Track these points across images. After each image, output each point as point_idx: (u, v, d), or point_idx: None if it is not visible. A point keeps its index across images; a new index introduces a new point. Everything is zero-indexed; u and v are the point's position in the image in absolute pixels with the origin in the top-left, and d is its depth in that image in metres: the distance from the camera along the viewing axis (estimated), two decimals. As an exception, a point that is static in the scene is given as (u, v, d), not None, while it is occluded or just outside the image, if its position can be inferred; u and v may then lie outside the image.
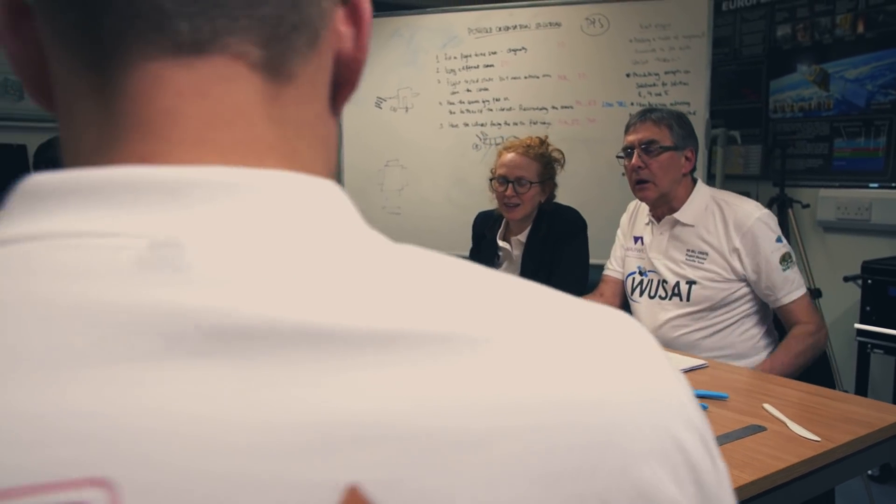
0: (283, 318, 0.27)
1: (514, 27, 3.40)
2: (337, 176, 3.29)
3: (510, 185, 2.17)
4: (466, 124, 3.51)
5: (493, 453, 0.28)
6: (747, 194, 3.38)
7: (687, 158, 1.89)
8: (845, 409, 1.39)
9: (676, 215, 1.90)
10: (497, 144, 3.45)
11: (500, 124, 3.46)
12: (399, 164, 3.65)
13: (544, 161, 2.22)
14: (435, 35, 3.53)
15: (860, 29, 3.05)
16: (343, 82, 0.38)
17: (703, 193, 1.91)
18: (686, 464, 0.34)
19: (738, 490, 1.07)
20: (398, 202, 3.64)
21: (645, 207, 2.01)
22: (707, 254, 1.85)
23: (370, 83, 3.65)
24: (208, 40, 0.32)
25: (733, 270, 1.81)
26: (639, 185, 1.89)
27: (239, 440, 0.24)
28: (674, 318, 1.88)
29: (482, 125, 3.49)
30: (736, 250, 1.80)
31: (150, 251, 0.28)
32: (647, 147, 1.86)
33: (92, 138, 0.32)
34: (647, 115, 1.90)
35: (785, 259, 1.78)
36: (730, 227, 1.81)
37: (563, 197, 2.33)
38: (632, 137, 1.90)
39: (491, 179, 2.26)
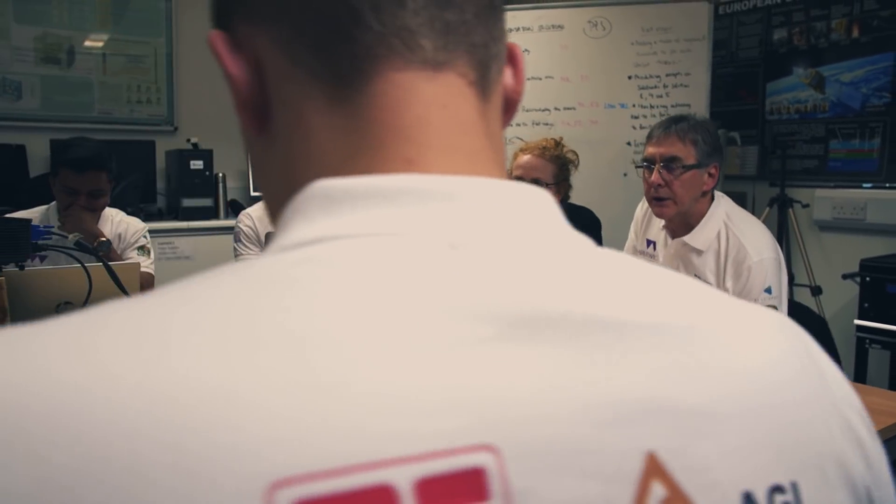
0: (572, 309, 0.31)
1: (517, 29, 3.44)
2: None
3: None
4: (469, 125, 3.55)
5: (741, 426, 0.33)
6: (744, 195, 3.49)
7: (710, 175, 1.79)
8: (868, 401, 1.45)
9: (687, 239, 1.83)
10: (500, 145, 3.49)
11: (502, 125, 3.50)
12: (402, 164, 3.67)
13: (560, 163, 2.26)
14: (438, 37, 3.56)
15: (855, 33, 3.14)
16: (505, 111, 0.43)
17: (718, 215, 1.83)
18: (857, 441, 0.39)
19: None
20: (401, 202, 3.67)
21: None
22: (710, 285, 1.79)
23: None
24: (445, 59, 0.36)
25: None
26: (656, 202, 1.82)
27: (568, 412, 0.28)
28: None
29: (485, 126, 3.53)
30: (727, 290, 1.75)
31: (450, 250, 0.32)
32: (669, 164, 1.76)
33: (341, 144, 0.36)
34: (671, 126, 1.80)
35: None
36: (728, 266, 1.77)
37: (567, 197, 2.37)
38: (653, 150, 1.81)
39: None
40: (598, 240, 2.26)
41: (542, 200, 0.37)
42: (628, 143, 3.31)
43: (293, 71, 0.37)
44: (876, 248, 3.02)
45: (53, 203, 2.21)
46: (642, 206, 2.11)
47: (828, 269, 3.17)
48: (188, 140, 3.85)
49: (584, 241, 0.38)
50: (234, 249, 2.72)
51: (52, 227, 1.45)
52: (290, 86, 0.37)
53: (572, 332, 0.30)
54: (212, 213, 3.73)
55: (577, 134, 3.33)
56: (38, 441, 0.24)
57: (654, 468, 0.29)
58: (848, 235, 3.18)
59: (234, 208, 3.94)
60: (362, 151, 0.35)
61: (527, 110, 3.46)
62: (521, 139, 3.46)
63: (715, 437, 0.31)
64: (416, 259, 0.31)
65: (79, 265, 1.50)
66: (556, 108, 3.42)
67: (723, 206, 1.86)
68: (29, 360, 0.26)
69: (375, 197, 0.33)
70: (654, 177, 1.78)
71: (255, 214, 2.74)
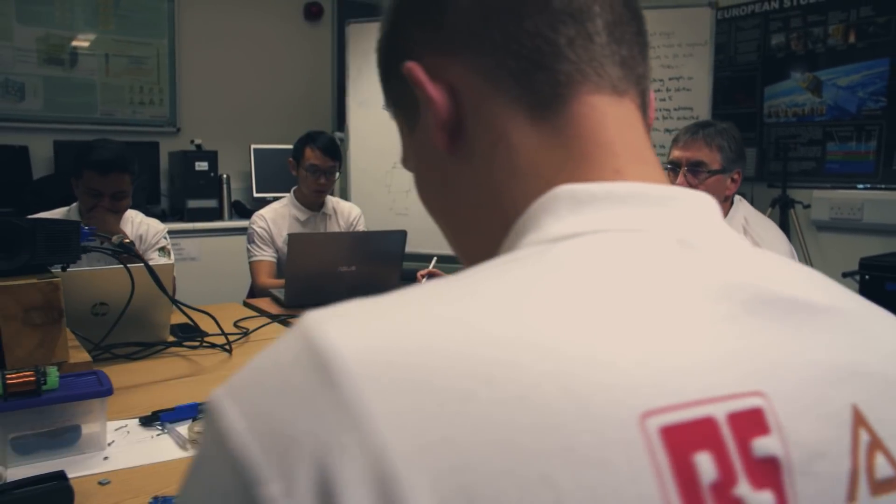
0: (780, 292, 0.38)
1: (522, 33, 3.49)
2: (343, 178, 3.27)
3: None
4: (474, 127, 3.59)
5: None
6: (742, 195, 3.56)
7: (733, 180, 1.85)
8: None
9: None
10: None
11: (507, 127, 3.55)
12: (406, 165, 3.71)
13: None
14: (443, 40, 3.60)
15: (851, 39, 3.22)
16: None
17: (737, 220, 1.89)
18: None
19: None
20: (406, 203, 3.70)
21: None
22: None
23: (377, 86, 3.70)
24: (625, 88, 0.43)
25: None
26: None
27: (804, 370, 0.35)
28: None
29: (490, 128, 3.58)
30: None
31: (679, 245, 0.38)
32: (694, 168, 1.83)
33: (549, 156, 0.42)
34: (699, 131, 1.85)
35: None
36: None
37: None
38: (679, 154, 1.87)
39: None
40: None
41: (716, 205, 0.43)
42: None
43: (493, 95, 0.43)
44: (873, 247, 3.11)
45: (75, 205, 2.22)
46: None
47: (826, 268, 3.24)
48: (192, 141, 3.85)
49: (743, 237, 0.44)
50: (248, 250, 2.74)
51: (95, 228, 1.47)
52: (491, 108, 0.43)
53: (784, 310, 0.37)
54: (216, 215, 3.74)
55: (581, 136, 3.39)
56: (479, 384, 0.30)
57: (859, 418, 0.36)
58: (845, 235, 3.27)
59: (238, 210, 3.95)
60: (570, 163, 0.41)
61: (531, 113, 3.52)
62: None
63: (889, 396, 0.38)
64: (659, 251, 0.37)
65: (117, 266, 1.52)
66: (560, 111, 3.47)
67: (741, 211, 1.93)
68: (449, 323, 0.32)
69: (612, 200, 0.39)
70: (679, 180, 1.85)
71: (268, 216, 2.76)
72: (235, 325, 1.97)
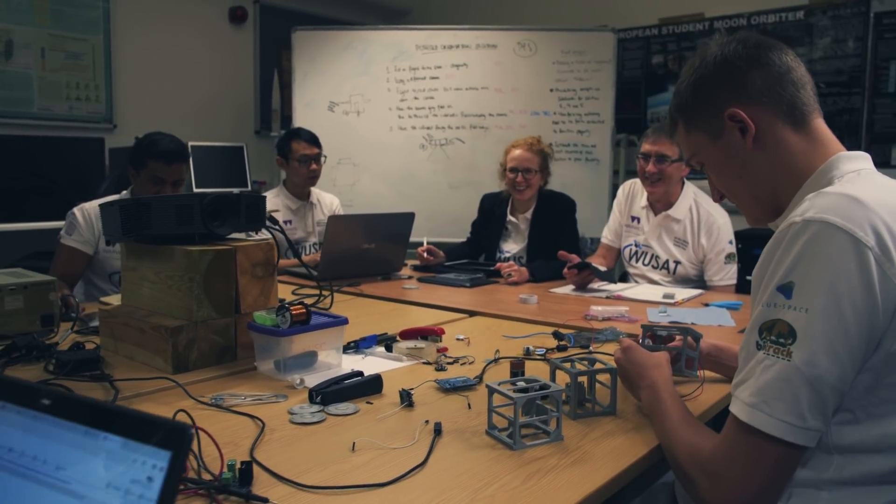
0: None
1: (458, 46, 3.99)
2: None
3: (520, 174, 2.79)
4: (414, 127, 4.04)
5: None
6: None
7: (688, 165, 2.31)
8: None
9: (671, 212, 2.54)
10: (442, 145, 4.02)
11: (444, 128, 4.04)
12: (351, 161, 4.06)
13: (542, 154, 2.85)
14: (386, 49, 4.01)
15: (713, 62, 4.10)
16: None
17: (689, 193, 2.54)
18: None
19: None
20: (350, 196, 4.06)
21: (640, 191, 2.66)
22: (687, 243, 2.53)
23: (323, 89, 4.02)
24: (819, 110, 0.99)
25: (699, 260, 2.53)
26: (650, 183, 2.51)
27: None
28: (660, 284, 2.58)
29: (428, 128, 4.04)
30: (702, 246, 2.51)
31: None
32: (660, 158, 2.46)
33: (808, 148, 0.97)
34: (663, 129, 2.46)
35: (730, 256, 2.51)
36: (701, 228, 2.50)
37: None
38: (649, 147, 2.49)
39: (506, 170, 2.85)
40: (574, 218, 2.89)
41: None
42: (550, 144, 3.99)
43: (775, 121, 0.97)
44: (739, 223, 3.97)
45: (125, 192, 2.39)
46: (623, 192, 2.77)
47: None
48: (136, 138, 3.92)
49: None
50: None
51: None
52: (774, 127, 0.97)
53: None
54: (167, 208, 3.85)
55: (509, 136, 3.94)
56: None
57: None
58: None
59: (183, 204, 4.06)
60: (819, 147, 0.96)
61: (465, 115, 4.03)
62: (462, 140, 4.03)
63: None
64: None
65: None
66: (490, 115, 4.02)
67: (691, 189, 2.58)
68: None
69: (862, 159, 0.94)
70: (650, 167, 2.48)
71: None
72: (294, 293, 2.28)
